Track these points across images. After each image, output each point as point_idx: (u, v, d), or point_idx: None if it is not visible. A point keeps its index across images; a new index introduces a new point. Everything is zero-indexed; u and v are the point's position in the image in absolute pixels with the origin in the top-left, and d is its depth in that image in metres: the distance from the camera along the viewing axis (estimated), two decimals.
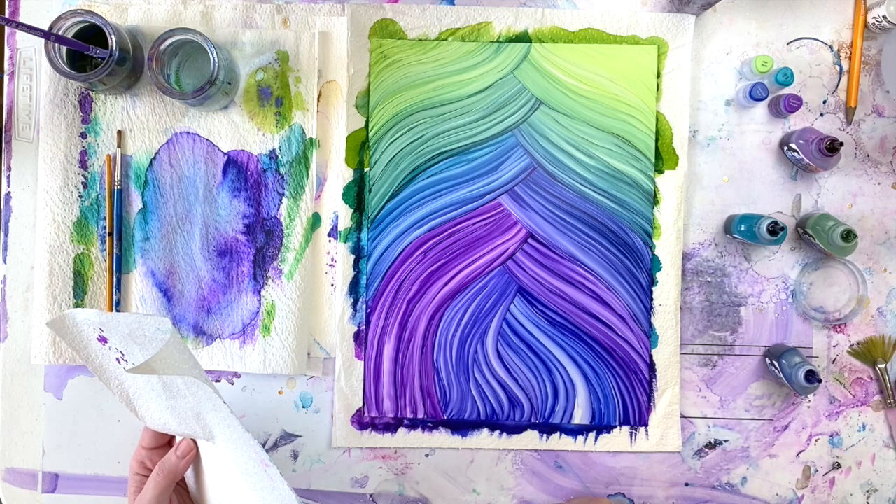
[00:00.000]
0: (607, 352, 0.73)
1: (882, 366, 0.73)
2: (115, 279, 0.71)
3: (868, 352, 0.73)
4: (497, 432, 0.73)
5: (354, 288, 0.73)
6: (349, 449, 0.73)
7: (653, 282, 0.73)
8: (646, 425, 0.73)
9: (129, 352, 0.55)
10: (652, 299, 0.73)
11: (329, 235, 0.73)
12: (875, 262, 0.74)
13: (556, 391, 0.73)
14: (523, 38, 0.73)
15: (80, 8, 0.70)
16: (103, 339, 0.55)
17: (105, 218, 0.72)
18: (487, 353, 0.73)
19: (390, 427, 0.73)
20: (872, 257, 0.74)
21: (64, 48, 0.66)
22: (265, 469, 0.54)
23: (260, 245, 0.72)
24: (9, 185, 0.73)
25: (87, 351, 0.57)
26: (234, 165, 0.72)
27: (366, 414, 0.73)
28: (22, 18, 0.73)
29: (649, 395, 0.73)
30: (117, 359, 0.56)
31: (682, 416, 0.73)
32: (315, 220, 0.73)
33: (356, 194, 0.73)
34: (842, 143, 0.67)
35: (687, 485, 0.74)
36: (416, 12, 0.72)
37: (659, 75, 0.73)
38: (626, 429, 0.73)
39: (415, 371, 0.73)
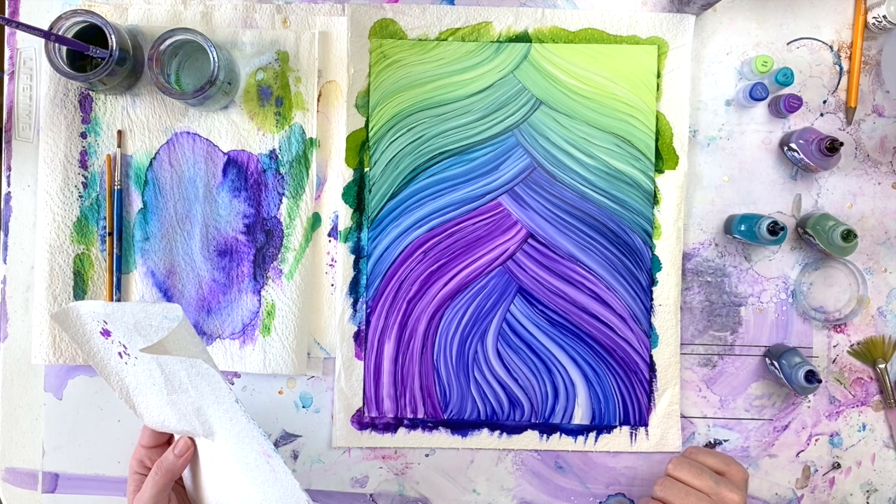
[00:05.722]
0: (607, 352, 0.73)
1: (882, 366, 0.73)
2: (115, 279, 0.71)
3: (868, 352, 0.73)
4: (497, 432, 0.73)
5: (354, 288, 0.73)
6: (349, 449, 0.73)
7: (653, 282, 0.73)
8: (646, 425, 0.73)
9: (133, 345, 0.55)
10: (652, 299, 0.73)
11: (329, 235, 0.73)
12: (875, 262, 0.74)
13: (556, 391, 0.73)
14: (523, 38, 0.73)
15: (80, 8, 0.70)
16: (106, 333, 0.55)
17: (105, 218, 0.72)
18: (487, 353, 0.73)
19: (390, 427, 0.73)
20: (872, 257, 0.74)
21: (64, 48, 0.66)
22: (268, 460, 0.53)
23: (260, 245, 0.72)
24: (9, 185, 0.73)
25: (89, 345, 0.57)
26: (234, 165, 0.72)
27: (366, 414, 0.73)
28: (22, 18, 0.73)
29: (649, 395, 0.73)
30: (119, 353, 0.56)
31: (682, 416, 0.73)
32: (315, 220, 0.73)
33: (356, 194, 0.73)
34: (842, 143, 0.67)
35: None
36: (416, 12, 0.72)
37: (659, 75, 0.73)
38: (626, 429, 0.73)
39: (415, 371, 0.73)
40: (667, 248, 0.73)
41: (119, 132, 0.72)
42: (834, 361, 0.74)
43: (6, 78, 0.73)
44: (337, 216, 0.73)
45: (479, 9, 0.72)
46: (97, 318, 0.55)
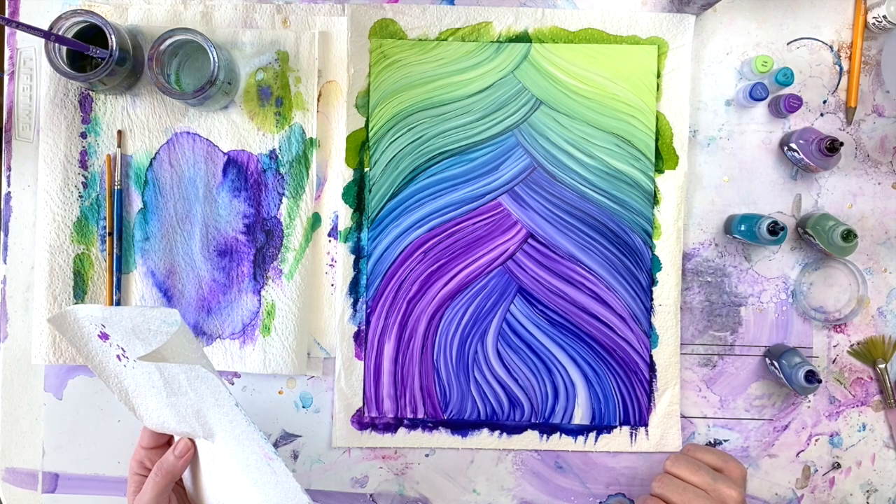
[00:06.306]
0: (607, 352, 0.73)
1: (882, 366, 0.73)
2: (115, 279, 0.71)
3: (868, 352, 0.73)
4: (497, 432, 0.73)
5: (354, 288, 0.73)
6: (349, 449, 0.73)
7: (653, 282, 0.73)
8: (646, 425, 0.73)
9: (131, 348, 0.55)
10: (652, 299, 0.73)
11: (329, 235, 0.73)
12: (875, 262, 0.74)
13: (556, 391, 0.73)
14: (523, 38, 0.73)
15: (80, 8, 0.70)
16: (104, 336, 0.55)
17: (105, 218, 0.72)
18: (487, 353, 0.73)
19: (390, 427, 0.73)
20: (872, 257, 0.74)
21: (64, 48, 0.66)
22: (269, 463, 0.53)
23: (260, 245, 0.72)
24: (9, 185, 0.73)
25: (87, 348, 0.57)
26: (234, 165, 0.72)
27: (366, 414, 0.73)
28: (22, 18, 0.73)
29: (649, 395, 0.73)
30: (118, 356, 0.56)
31: (682, 416, 0.73)
32: (315, 220, 0.73)
33: (356, 194, 0.73)
34: (842, 143, 0.67)
35: None
36: (416, 12, 0.72)
37: (659, 75, 0.73)
38: (626, 429, 0.73)
39: (415, 371, 0.73)
40: (667, 248, 0.73)
41: (119, 132, 0.72)
42: (834, 361, 0.74)
43: (6, 78, 0.73)
44: (337, 216, 0.73)
45: (479, 9, 0.72)
46: (95, 321, 0.55)
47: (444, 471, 0.73)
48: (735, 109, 0.74)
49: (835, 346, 0.74)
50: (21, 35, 0.73)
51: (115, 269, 0.71)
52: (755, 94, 0.71)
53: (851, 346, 0.74)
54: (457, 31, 0.73)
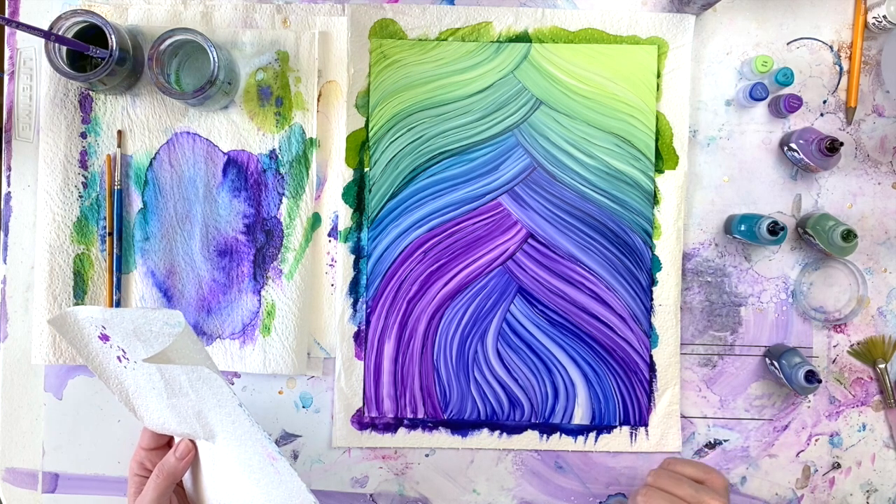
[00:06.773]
0: (607, 352, 0.73)
1: (882, 366, 0.73)
2: (115, 279, 0.71)
3: (868, 352, 0.73)
4: (497, 432, 0.73)
5: (354, 288, 0.73)
6: (349, 449, 0.73)
7: (653, 282, 0.73)
8: (646, 425, 0.73)
9: (132, 349, 0.55)
10: (652, 299, 0.73)
11: (329, 235, 0.73)
12: (875, 262, 0.74)
13: (556, 391, 0.73)
14: (523, 38, 0.73)
15: (80, 8, 0.70)
16: (105, 337, 0.55)
17: (105, 218, 0.72)
18: (487, 353, 0.73)
19: (390, 427, 0.73)
20: (872, 257, 0.74)
21: (64, 48, 0.66)
22: (272, 463, 0.53)
23: (260, 245, 0.72)
24: (9, 185, 0.73)
25: (87, 349, 0.57)
26: (234, 165, 0.72)
27: (366, 414, 0.73)
28: (22, 18, 0.73)
29: (649, 395, 0.73)
30: (118, 357, 0.56)
31: (682, 416, 0.73)
32: (315, 220, 0.73)
33: (356, 194, 0.73)
34: (842, 143, 0.67)
35: None
36: (416, 12, 0.72)
37: (659, 75, 0.73)
38: (626, 429, 0.73)
39: (415, 371, 0.73)
40: (667, 248, 0.73)
41: (119, 132, 0.72)
42: (834, 361, 0.74)
43: (6, 78, 0.73)
44: (337, 216, 0.73)
45: (479, 9, 0.72)
46: (95, 323, 0.55)
47: (444, 471, 0.73)
48: (735, 109, 0.74)
49: (835, 346, 0.74)
50: (21, 35, 0.73)
51: (115, 269, 0.71)
52: (755, 94, 0.71)
53: (851, 346, 0.74)
54: (457, 31, 0.73)
